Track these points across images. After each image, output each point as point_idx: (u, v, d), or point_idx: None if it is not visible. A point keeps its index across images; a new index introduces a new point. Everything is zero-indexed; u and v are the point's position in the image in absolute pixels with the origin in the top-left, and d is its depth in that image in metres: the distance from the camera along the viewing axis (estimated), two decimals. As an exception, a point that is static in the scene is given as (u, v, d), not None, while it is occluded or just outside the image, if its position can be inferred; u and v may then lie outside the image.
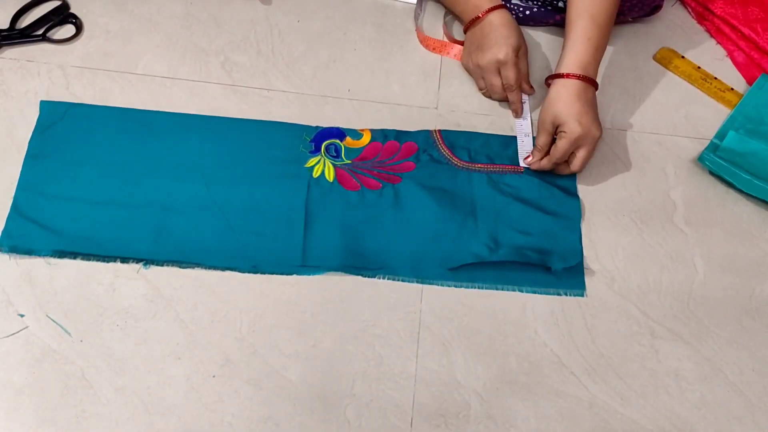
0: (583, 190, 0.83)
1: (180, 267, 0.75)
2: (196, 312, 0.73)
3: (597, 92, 0.81)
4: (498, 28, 0.85)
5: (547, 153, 0.82)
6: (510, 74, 0.85)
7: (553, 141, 0.81)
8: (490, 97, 0.89)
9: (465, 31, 0.90)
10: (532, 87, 0.89)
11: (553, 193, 0.81)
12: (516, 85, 0.86)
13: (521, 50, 0.86)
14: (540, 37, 0.95)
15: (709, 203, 0.83)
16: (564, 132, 0.79)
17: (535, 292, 0.76)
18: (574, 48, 0.81)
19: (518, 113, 0.87)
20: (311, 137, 0.84)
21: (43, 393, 0.68)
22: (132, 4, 0.93)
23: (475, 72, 0.89)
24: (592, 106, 0.80)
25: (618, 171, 0.85)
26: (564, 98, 0.79)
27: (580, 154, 0.80)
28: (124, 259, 0.75)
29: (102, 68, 0.87)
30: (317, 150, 0.83)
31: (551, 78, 0.82)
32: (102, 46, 0.89)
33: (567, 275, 0.77)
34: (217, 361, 0.71)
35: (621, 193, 0.83)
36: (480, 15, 0.86)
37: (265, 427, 0.68)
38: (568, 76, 0.80)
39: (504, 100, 0.89)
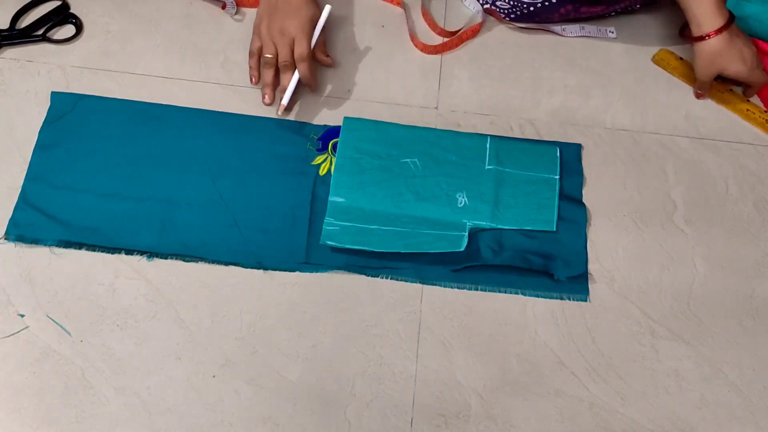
0: (583, 190, 0.83)
1: (183, 261, 0.75)
2: (196, 312, 0.73)
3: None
4: None
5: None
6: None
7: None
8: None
9: None
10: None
11: (560, 199, 0.81)
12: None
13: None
14: (543, 41, 0.95)
15: (709, 203, 0.83)
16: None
17: (537, 296, 0.76)
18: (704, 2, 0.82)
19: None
20: (319, 135, 0.84)
21: (43, 393, 0.68)
22: (132, 4, 0.93)
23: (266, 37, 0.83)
24: (741, 41, 0.84)
25: (618, 171, 0.85)
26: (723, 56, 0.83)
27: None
28: (129, 251, 0.75)
29: (102, 68, 0.87)
30: (324, 148, 0.83)
31: (695, 39, 0.84)
32: (102, 46, 0.89)
33: (570, 280, 0.76)
34: (217, 361, 0.71)
35: (621, 193, 0.83)
36: None
37: (265, 427, 0.68)
38: (710, 35, 0.82)
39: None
